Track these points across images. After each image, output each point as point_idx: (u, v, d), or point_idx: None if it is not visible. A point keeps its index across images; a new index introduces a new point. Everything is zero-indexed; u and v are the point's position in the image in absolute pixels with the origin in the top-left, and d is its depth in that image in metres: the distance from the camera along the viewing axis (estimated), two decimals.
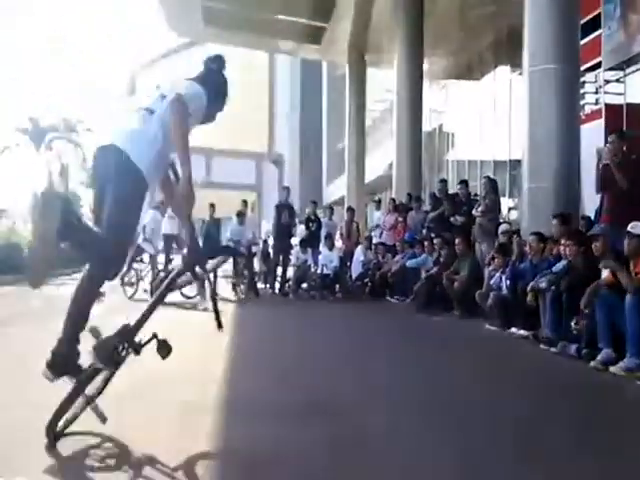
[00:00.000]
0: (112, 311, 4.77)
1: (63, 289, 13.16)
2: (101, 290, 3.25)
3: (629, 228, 5.61)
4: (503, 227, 9.06)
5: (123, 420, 3.44)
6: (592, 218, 7.95)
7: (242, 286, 11.78)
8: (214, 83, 3.58)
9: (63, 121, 27.41)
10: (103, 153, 3.24)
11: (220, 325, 3.51)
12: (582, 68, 10.12)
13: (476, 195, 11.36)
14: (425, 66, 16.69)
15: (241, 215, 12.68)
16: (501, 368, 5.73)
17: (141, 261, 11.54)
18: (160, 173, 3.44)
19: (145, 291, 10.57)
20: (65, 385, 3.18)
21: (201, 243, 9.67)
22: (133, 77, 70.52)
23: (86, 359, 3.20)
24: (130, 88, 71.28)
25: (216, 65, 3.67)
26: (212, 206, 12.91)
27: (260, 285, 12.92)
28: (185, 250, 3.71)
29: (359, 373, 5.20)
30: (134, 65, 74.09)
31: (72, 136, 27.38)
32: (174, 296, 10.49)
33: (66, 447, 3.09)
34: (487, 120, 19.80)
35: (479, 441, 3.45)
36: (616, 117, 11.31)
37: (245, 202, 13.46)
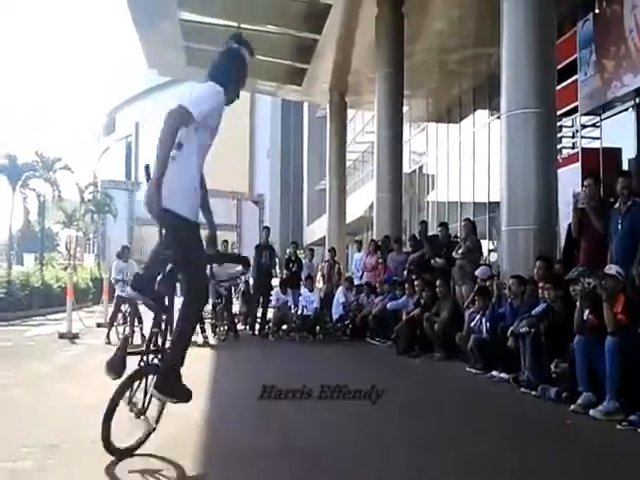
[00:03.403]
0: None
1: (36, 330, 12.88)
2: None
3: (605, 270, 5.67)
4: (482, 270, 9.09)
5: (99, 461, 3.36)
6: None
7: (222, 327, 11.65)
8: (234, 60, 3.69)
9: (40, 159, 27.25)
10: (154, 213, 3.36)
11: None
12: (559, 113, 10.31)
13: (456, 237, 11.43)
14: (405, 108, 16.97)
15: None
16: (481, 411, 5.69)
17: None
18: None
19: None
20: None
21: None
22: (112, 115, 70.59)
23: None
24: (108, 126, 71.36)
25: (235, 42, 3.72)
26: None
27: (240, 326, 12.79)
28: None
29: (338, 418, 5.12)
30: (113, 102, 74.32)
31: (49, 175, 27.20)
32: None
33: None
34: (466, 162, 20.07)
35: None
36: (592, 161, 11.51)
37: (226, 242, 13.43)
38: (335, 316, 12.31)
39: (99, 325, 12.90)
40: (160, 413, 3.74)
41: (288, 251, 14.07)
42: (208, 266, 7.94)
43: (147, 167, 3.47)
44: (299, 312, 12.16)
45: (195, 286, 3.55)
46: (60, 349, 9.72)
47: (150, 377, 3.59)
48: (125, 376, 3.51)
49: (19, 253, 39.64)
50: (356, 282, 13.13)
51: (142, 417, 3.61)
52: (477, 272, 9.09)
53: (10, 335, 11.66)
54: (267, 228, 13.86)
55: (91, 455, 3.60)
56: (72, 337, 10.98)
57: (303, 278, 12.86)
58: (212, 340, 11.08)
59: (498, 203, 10.02)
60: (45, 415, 4.92)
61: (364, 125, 29.57)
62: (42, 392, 6.02)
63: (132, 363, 3.60)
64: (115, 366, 3.50)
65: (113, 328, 10.85)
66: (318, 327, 12.11)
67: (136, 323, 10.80)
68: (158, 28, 17.92)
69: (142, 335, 10.68)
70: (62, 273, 20.72)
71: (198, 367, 6.98)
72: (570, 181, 10.55)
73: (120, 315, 11.04)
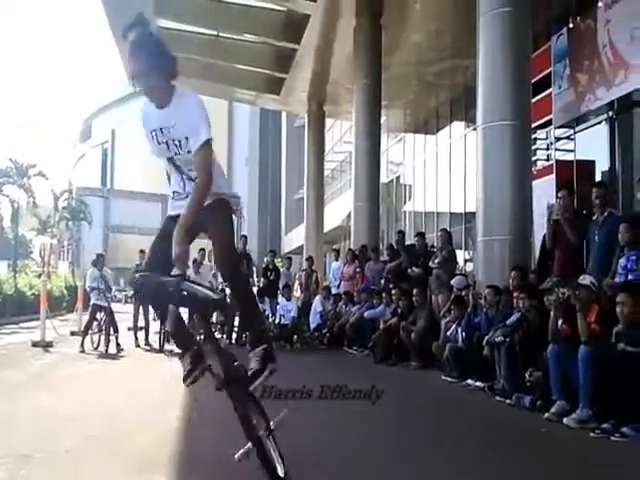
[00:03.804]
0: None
1: (9, 338, 12.68)
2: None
3: (579, 280, 5.76)
4: (458, 280, 9.17)
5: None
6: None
7: (198, 337, 11.56)
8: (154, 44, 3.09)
9: (14, 165, 26.91)
10: None
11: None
12: (534, 125, 10.45)
13: (433, 247, 11.52)
14: (383, 118, 17.07)
15: (197, 264, 12.53)
16: (457, 419, 5.73)
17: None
18: None
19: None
20: None
21: None
22: (88, 122, 69.85)
23: None
24: (84, 133, 70.69)
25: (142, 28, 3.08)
26: (142, 252, 11.86)
27: (217, 335, 12.71)
28: None
29: (314, 428, 5.12)
30: (89, 109, 73.63)
31: (23, 181, 26.87)
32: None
33: None
34: (443, 173, 20.23)
35: None
36: (567, 173, 11.66)
37: (203, 250, 13.33)
38: (313, 325, 12.32)
39: (73, 333, 12.76)
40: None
41: (266, 260, 14.06)
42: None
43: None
44: (277, 321, 12.15)
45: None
46: (34, 357, 9.61)
47: None
48: None
49: None
50: (334, 291, 13.17)
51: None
52: (453, 281, 9.17)
53: None
54: (244, 237, 13.82)
55: (64, 465, 3.58)
56: (46, 345, 10.85)
57: (281, 287, 12.85)
58: None
59: (474, 213, 10.12)
60: (18, 424, 4.86)
61: (342, 135, 29.69)
62: (15, 401, 5.94)
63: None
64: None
65: (87, 336, 10.75)
66: (296, 336, 12.09)
67: (111, 332, 10.73)
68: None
69: (117, 344, 10.62)
70: (36, 280, 20.49)
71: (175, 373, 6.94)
72: (544, 192, 10.69)
73: (95, 323, 10.94)
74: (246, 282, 3.38)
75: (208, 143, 3.04)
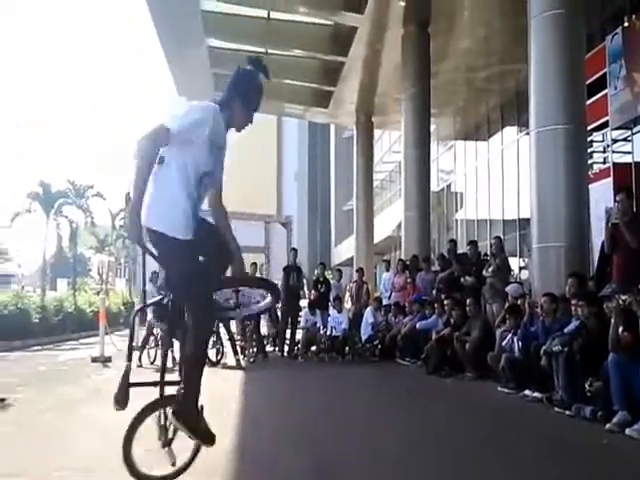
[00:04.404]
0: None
1: (69, 354, 13.03)
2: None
3: None
4: (513, 288, 8.97)
5: None
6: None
7: (251, 349, 11.65)
8: (244, 84, 3.51)
9: (72, 186, 27.80)
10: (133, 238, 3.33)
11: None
12: (589, 127, 10.21)
13: (486, 255, 11.32)
14: (432, 126, 16.94)
15: None
16: (515, 432, 5.57)
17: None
18: (201, 198, 3.43)
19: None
20: None
21: None
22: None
23: None
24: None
25: (251, 66, 3.54)
26: None
27: (269, 348, 12.78)
28: None
29: (368, 439, 5.07)
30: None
31: (81, 202, 27.70)
32: None
33: None
34: (495, 179, 19.94)
35: None
36: (624, 176, 11.35)
37: (255, 264, 13.47)
38: (364, 336, 12.23)
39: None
40: (195, 453, 3.57)
41: (316, 272, 14.06)
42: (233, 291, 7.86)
43: (127, 194, 3.46)
44: (328, 333, 12.12)
45: (193, 308, 3.37)
46: (93, 373, 9.80)
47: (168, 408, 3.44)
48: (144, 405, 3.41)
49: (53, 278, 40.26)
50: (385, 302, 13.06)
51: (166, 449, 3.47)
52: (508, 289, 8.99)
53: (43, 360, 11.80)
54: (294, 250, 13.87)
55: (124, 479, 3.59)
56: (104, 360, 11.06)
57: (331, 299, 12.82)
58: (241, 361, 11.10)
59: (528, 220, 9.91)
60: (78, 439, 4.95)
61: (391, 145, 29.60)
62: (75, 416, 6.06)
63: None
64: (119, 397, 3.38)
65: (145, 351, 10.92)
66: (347, 348, 12.06)
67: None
68: (186, 55, 18.25)
69: (173, 358, 10.76)
70: (94, 297, 20.96)
71: (228, 387, 6.98)
72: (602, 196, 10.41)
73: (152, 338, 11.11)
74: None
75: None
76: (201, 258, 3.43)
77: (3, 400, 6.53)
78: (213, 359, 10.99)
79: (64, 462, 4.09)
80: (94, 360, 11.10)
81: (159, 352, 10.82)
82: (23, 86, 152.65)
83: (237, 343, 11.31)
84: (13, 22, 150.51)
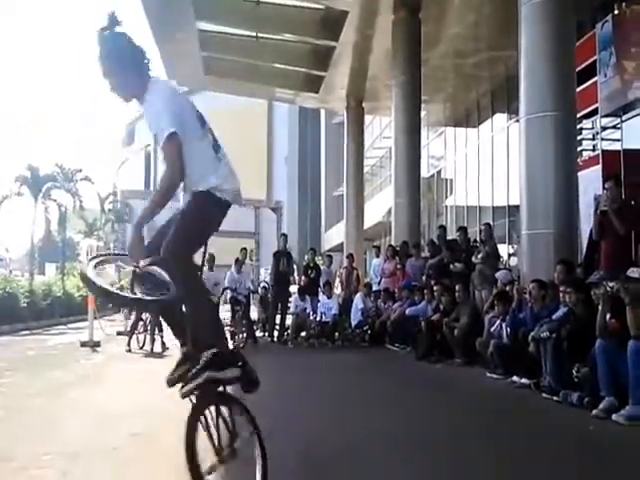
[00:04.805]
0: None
1: (58, 338, 12.95)
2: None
3: (628, 273, 5.60)
4: (502, 274, 9.02)
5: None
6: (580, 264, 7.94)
7: (240, 335, 11.67)
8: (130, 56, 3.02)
9: (61, 170, 27.52)
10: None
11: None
12: (579, 115, 10.22)
13: (475, 241, 11.36)
14: (423, 113, 16.91)
15: (239, 263, 12.61)
16: (502, 418, 5.63)
17: None
18: None
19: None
20: None
21: None
22: (132, 126, 70.75)
23: None
24: (128, 138, 71.81)
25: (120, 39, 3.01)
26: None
27: (258, 333, 12.81)
28: None
29: (357, 419, 5.11)
30: (133, 114, 74.56)
31: (70, 185, 27.44)
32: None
33: None
34: (485, 166, 19.96)
35: None
36: (613, 163, 11.39)
37: (245, 250, 13.42)
38: (354, 322, 12.29)
39: (120, 333, 12.98)
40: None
41: (306, 258, 14.08)
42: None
43: None
44: (318, 318, 12.17)
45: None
46: (82, 357, 9.80)
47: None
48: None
49: (41, 263, 40.01)
50: (374, 288, 13.11)
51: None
52: (498, 275, 9.05)
53: (32, 344, 11.77)
54: (284, 235, 13.86)
55: (111, 462, 3.62)
56: (93, 345, 11.05)
57: (321, 284, 12.85)
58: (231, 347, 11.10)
59: (518, 207, 9.94)
60: (67, 423, 4.96)
61: (381, 130, 29.55)
62: (64, 400, 6.06)
63: None
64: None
65: (134, 336, 10.92)
66: (337, 333, 12.12)
67: (156, 331, 10.87)
68: (176, 39, 18.06)
69: (162, 343, 10.76)
70: None
71: None
72: (591, 184, 10.46)
73: (141, 323, 11.11)
74: (191, 279, 3.07)
75: (171, 137, 2.90)
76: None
77: None
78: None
79: (53, 446, 4.10)
80: (83, 345, 11.09)
81: (147, 337, 10.85)
82: (23, 86, 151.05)
83: (227, 329, 11.32)
84: (13, 22, 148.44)
